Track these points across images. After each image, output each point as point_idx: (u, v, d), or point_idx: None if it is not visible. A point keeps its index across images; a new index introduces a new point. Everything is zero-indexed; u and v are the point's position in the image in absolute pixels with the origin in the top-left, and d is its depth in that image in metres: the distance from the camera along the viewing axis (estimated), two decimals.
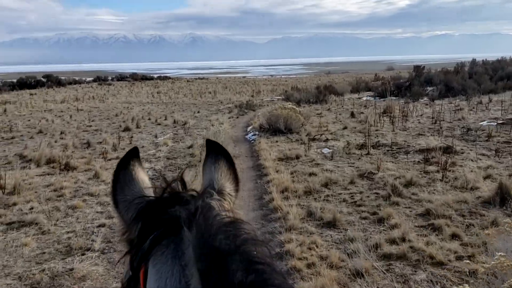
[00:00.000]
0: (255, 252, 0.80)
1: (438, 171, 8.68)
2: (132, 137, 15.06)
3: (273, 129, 14.28)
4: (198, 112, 23.92)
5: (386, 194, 7.42)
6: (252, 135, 14.76)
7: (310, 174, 8.97)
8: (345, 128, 14.45)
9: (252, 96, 37.56)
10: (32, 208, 7.45)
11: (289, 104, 25.33)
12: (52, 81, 62.63)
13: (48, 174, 9.94)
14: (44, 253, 5.77)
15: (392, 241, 5.64)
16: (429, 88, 24.90)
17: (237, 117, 21.33)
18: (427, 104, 20.17)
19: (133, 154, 1.15)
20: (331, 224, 6.37)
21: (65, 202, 7.86)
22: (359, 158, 10.15)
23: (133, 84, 68.84)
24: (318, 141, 12.45)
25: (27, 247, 5.94)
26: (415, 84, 25.68)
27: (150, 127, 18.08)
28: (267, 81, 70.46)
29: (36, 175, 9.82)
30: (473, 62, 41.83)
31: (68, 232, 6.40)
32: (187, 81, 77.49)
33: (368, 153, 10.47)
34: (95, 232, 6.31)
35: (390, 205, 6.96)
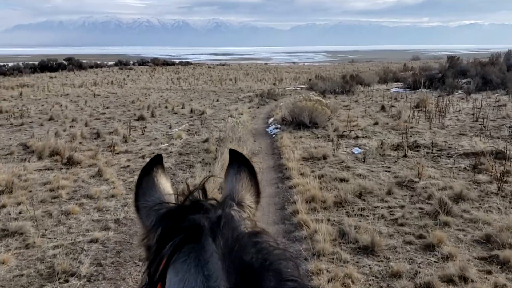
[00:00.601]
0: (287, 269, 0.79)
1: (491, 182, 7.42)
2: (145, 127, 14.10)
3: (296, 123, 13.11)
4: (217, 100, 22.85)
5: (432, 211, 6.22)
6: (274, 128, 13.63)
7: (341, 180, 7.79)
8: (376, 123, 13.17)
9: (274, 84, 36.30)
10: (20, 213, 6.52)
11: (314, 94, 24.10)
12: (73, 64, 62.47)
13: (48, 170, 9.03)
14: (22, 275, 4.80)
15: (449, 280, 4.48)
16: (464, 80, 23.23)
17: (258, 107, 20.19)
18: (463, 98, 18.62)
19: (157, 161, 1.16)
20: (369, 250, 5.23)
21: (60, 205, 6.91)
22: (395, 161, 8.92)
23: (154, 69, 68.18)
24: (347, 138, 11.23)
25: (4, 265, 4.99)
26: (448, 75, 24.01)
27: (165, 116, 17.10)
28: (289, 69, 68.93)
29: (35, 170, 8.92)
30: (509, 53, 39.58)
31: (55, 247, 5.42)
32: (208, 67, 76.44)
33: (405, 156, 9.23)
34: (85, 250, 5.31)
35: (439, 226, 5.77)
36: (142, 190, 1.10)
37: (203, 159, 9.63)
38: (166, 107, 19.95)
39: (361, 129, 12.26)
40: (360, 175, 8.12)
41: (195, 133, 12.84)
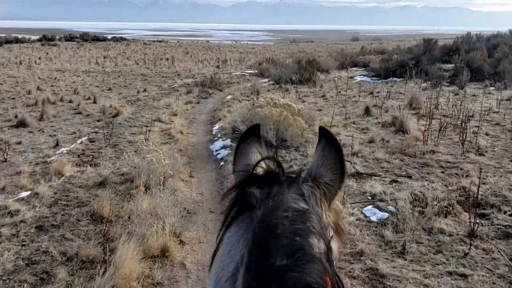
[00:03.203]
0: (310, 274, 0.75)
1: None
2: (19, 142, 8.95)
3: None
4: (145, 90, 17.68)
5: None
6: (221, 147, 8.94)
7: None
8: (371, 141, 8.81)
9: (218, 67, 31.30)
10: None
11: (267, 84, 19.53)
12: None
13: None
14: None
15: None
16: (446, 67, 19.62)
17: (198, 102, 15.33)
18: (457, 94, 14.78)
19: (254, 130, 1.19)
20: None
21: None
22: (465, 256, 4.55)
23: (81, 45, 60.45)
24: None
25: None
26: (424, 61, 20.29)
27: (62, 118, 11.85)
28: (232, 48, 63.86)
29: None
30: (469, 36, 36.94)
31: None
32: (144, 44, 69.43)
33: (472, 235, 4.87)
34: None
35: None
36: (238, 156, 1.14)
37: (77, 250, 4.70)
38: (70, 101, 14.58)
39: (356, 155, 7.84)
40: None
41: (90, 162, 7.81)
